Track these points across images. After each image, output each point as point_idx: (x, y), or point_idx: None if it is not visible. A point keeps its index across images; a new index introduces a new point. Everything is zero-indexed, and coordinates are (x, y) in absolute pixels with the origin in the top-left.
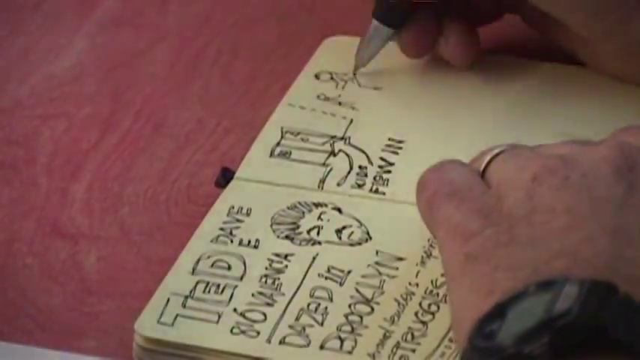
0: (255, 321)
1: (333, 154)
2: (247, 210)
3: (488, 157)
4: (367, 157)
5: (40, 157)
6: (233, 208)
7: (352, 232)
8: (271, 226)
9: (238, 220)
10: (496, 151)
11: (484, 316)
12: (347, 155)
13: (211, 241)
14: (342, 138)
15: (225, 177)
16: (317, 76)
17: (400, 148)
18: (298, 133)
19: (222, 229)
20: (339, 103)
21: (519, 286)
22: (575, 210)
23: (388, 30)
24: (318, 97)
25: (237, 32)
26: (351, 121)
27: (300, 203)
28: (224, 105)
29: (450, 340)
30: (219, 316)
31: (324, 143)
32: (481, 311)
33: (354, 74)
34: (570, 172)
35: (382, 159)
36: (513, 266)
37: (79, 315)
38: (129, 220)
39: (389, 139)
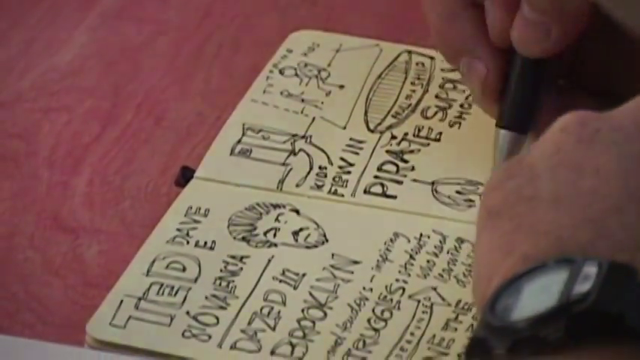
0: (207, 325)
1: (293, 153)
2: (205, 210)
3: None
4: (327, 157)
5: (41, 151)
6: (191, 208)
7: (309, 235)
8: (228, 227)
9: (195, 221)
10: None
11: (500, 288)
12: (307, 155)
13: (167, 241)
14: (303, 136)
15: (185, 176)
16: (281, 72)
17: (361, 148)
18: (260, 131)
19: (179, 229)
20: (302, 100)
21: (540, 255)
22: (603, 171)
23: (522, 137)
24: (281, 93)
25: (238, 25)
26: (313, 119)
27: (258, 204)
28: (225, 98)
29: (402, 349)
30: (172, 319)
31: (285, 142)
32: (498, 271)
33: None
34: (602, 125)
35: (342, 159)
36: (535, 230)
37: (80, 308)
38: (130, 213)
39: (350, 139)
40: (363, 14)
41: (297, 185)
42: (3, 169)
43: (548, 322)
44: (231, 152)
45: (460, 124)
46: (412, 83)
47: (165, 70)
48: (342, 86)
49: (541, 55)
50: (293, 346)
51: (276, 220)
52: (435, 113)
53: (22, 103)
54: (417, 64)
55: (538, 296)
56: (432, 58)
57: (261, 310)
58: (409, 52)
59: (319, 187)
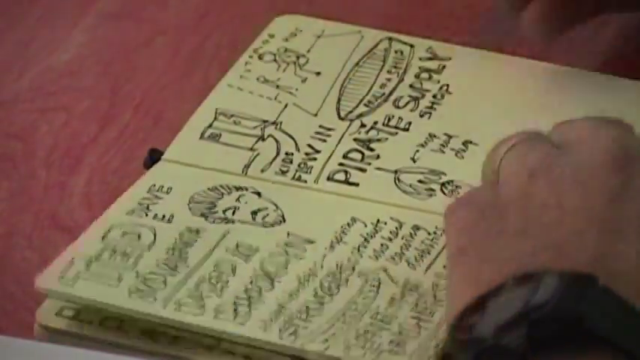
0: (154, 288)
1: (262, 138)
2: (168, 189)
3: (503, 150)
4: (295, 143)
5: (39, 151)
6: (154, 186)
7: (267, 215)
8: (189, 204)
9: (157, 197)
10: (513, 141)
11: (465, 309)
12: (275, 140)
13: (127, 213)
14: (273, 122)
15: (153, 158)
16: (260, 57)
17: (329, 135)
18: (232, 116)
19: (139, 203)
20: (277, 87)
21: (503, 280)
22: (566, 204)
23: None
24: (257, 79)
25: (236, 26)
26: (286, 105)
27: (221, 186)
28: None
29: (344, 322)
30: (120, 280)
31: (255, 127)
32: (465, 302)
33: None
34: (567, 165)
35: (309, 146)
36: (499, 258)
37: None
38: None
39: (319, 126)
40: (363, 13)
41: (262, 170)
42: (1, 169)
43: (510, 329)
44: (201, 136)
45: (430, 114)
46: (389, 72)
47: (164, 70)
48: (318, 73)
49: None
50: (237, 310)
51: (237, 200)
52: (407, 103)
53: (19, 103)
54: (395, 51)
55: (501, 310)
56: (411, 45)
57: (209, 277)
58: (390, 38)
59: (284, 173)
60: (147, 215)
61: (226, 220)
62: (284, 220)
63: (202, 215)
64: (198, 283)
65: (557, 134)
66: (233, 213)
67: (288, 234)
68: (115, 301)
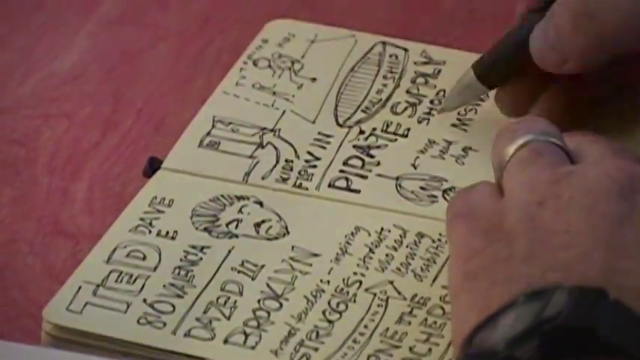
0: (163, 312)
1: (261, 146)
2: (169, 201)
3: (510, 150)
4: (295, 150)
5: (41, 157)
6: (155, 198)
7: (270, 227)
8: (191, 217)
9: (159, 211)
10: (520, 142)
11: (477, 326)
12: (275, 148)
13: (130, 230)
14: (272, 130)
15: (152, 166)
16: (255, 63)
17: (329, 142)
18: (229, 123)
19: (142, 219)
20: (274, 93)
21: (513, 300)
22: (573, 229)
23: (483, 88)
24: (253, 85)
25: (238, 31)
26: (284, 112)
27: (222, 196)
28: None
29: (354, 342)
30: (128, 306)
31: (253, 135)
32: (476, 325)
33: (439, 112)
34: (575, 192)
35: (309, 153)
36: (508, 281)
37: None
38: None
39: (318, 133)
40: (365, 17)
41: (263, 178)
42: (3, 175)
43: (522, 341)
44: (200, 144)
45: (429, 120)
46: (384, 77)
47: (166, 76)
48: (314, 79)
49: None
50: (246, 335)
51: (239, 211)
52: (405, 109)
53: (22, 109)
54: (390, 56)
55: (513, 324)
56: (405, 50)
57: (217, 299)
58: (384, 43)
59: (284, 180)
60: (150, 232)
61: (230, 235)
62: (287, 232)
63: (206, 230)
64: (206, 308)
65: (571, 145)
66: (236, 226)
67: (293, 247)
68: (124, 333)
